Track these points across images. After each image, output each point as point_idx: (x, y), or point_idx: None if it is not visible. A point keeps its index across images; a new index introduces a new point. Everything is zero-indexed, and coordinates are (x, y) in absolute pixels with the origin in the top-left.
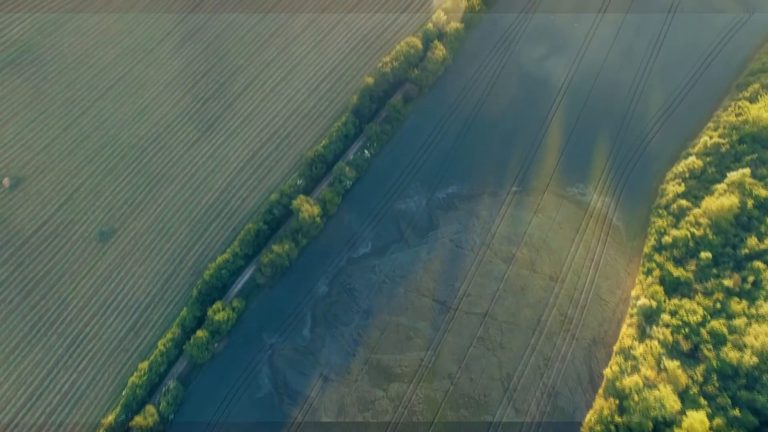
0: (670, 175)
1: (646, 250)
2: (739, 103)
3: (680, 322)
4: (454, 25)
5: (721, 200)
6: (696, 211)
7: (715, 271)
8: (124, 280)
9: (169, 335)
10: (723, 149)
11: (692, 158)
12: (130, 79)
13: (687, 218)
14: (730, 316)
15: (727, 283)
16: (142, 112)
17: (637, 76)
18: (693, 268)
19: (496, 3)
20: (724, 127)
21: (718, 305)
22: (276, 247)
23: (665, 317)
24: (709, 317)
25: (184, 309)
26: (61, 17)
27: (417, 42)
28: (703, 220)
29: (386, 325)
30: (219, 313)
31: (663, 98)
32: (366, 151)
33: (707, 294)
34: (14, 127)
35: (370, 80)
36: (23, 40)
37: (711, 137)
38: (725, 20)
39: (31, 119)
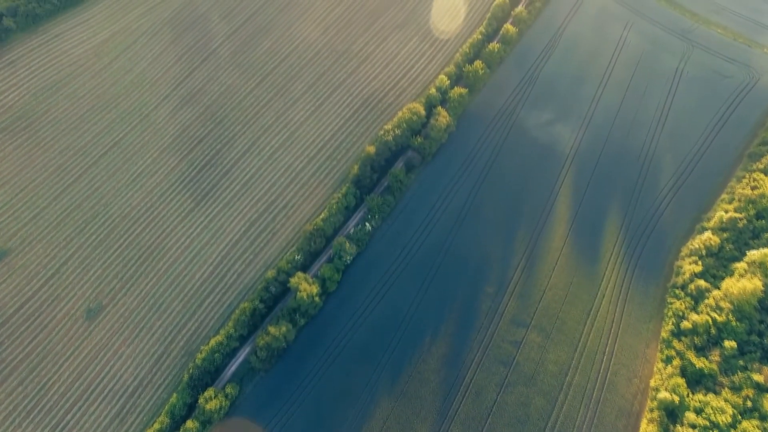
0: (685, 250)
1: (663, 334)
2: (754, 175)
3: (707, 422)
4: (458, 90)
5: (743, 283)
6: (716, 293)
7: (741, 362)
8: (111, 362)
9: (156, 425)
10: (740, 224)
11: (708, 234)
12: (125, 145)
13: (706, 301)
14: (764, 417)
15: (757, 377)
16: (135, 180)
17: (645, 143)
18: (717, 358)
19: (499, 66)
20: (740, 200)
21: (749, 403)
22: (272, 329)
23: (690, 416)
24: (739, 417)
25: (174, 395)
26: (57, 82)
27: (419, 108)
28: (725, 304)
29: (387, 415)
30: (211, 401)
31: (674, 166)
32: (367, 224)
33: (735, 389)
34: (3, 197)
35: (371, 149)
36: (18, 105)
37: (727, 211)
38: (732, 86)
39: (21, 188)
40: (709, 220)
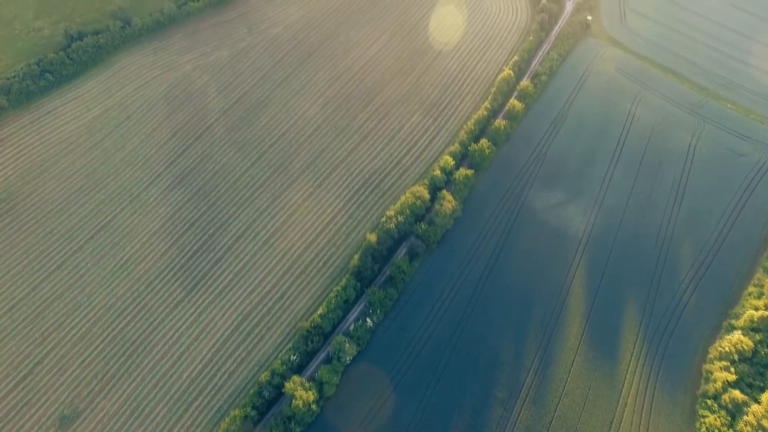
0: (713, 352)
1: None
2: None
3: None
4: (463, 171)
5: None
6: (755, 408)
7: None
8: None
9: None
10: None
11: (738, 334)
12: (113, 228)
13: (746, 417)
14: None
15: None
16: (122, 267)
17: (662, 227)
18: None
19: (505, 143)
20: None
21: None
22: None
23: None
24: None
25: None
26: (46, 160)
27: (423, 192)
28: None
29: None
30: None
31: (693, 253)
32: (368, 320)
33: None
34: None
35: (372, 237)
36: (2, 187)
37: (757, 309)
38: (748, 164)
39: None
40: (737, 317)
